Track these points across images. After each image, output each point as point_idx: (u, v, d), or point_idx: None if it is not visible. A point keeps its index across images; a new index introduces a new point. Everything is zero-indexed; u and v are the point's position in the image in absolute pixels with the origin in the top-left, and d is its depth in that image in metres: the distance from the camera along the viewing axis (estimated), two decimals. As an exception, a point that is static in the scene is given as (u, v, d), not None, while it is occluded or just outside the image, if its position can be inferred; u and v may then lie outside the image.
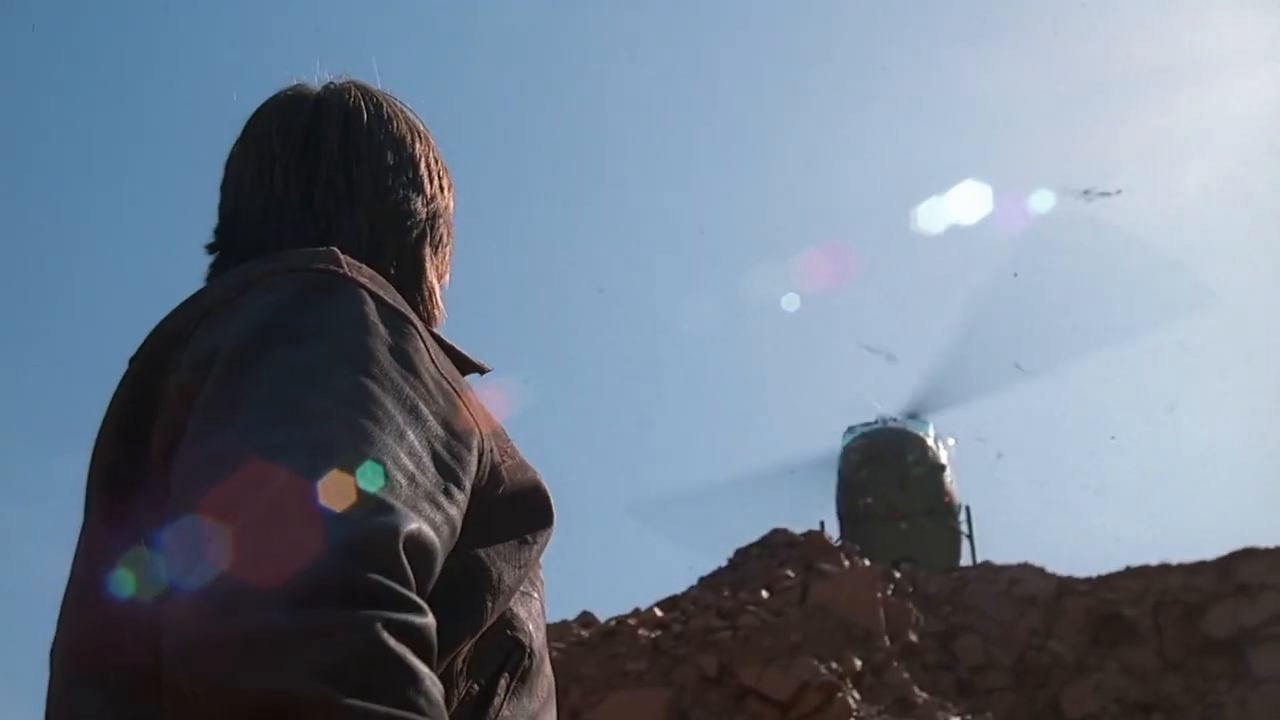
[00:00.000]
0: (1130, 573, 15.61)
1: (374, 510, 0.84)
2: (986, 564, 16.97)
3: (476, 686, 1.02)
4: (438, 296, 1.27)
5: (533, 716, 1.07)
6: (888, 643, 12.95)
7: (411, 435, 0.93)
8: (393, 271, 1.18)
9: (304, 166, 1.19)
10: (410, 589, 0.82)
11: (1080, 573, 15.89)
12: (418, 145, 1.26)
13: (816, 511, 21.32)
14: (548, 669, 1.13)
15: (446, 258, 1.29)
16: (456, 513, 0.94)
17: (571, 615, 13.45)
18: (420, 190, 1.24)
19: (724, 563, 17.07)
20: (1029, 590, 15.32)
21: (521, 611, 1.08)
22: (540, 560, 1.14)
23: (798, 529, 16.80)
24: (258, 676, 0.76)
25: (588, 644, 12.47)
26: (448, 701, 0.87)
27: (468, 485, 0.97)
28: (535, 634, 1.10)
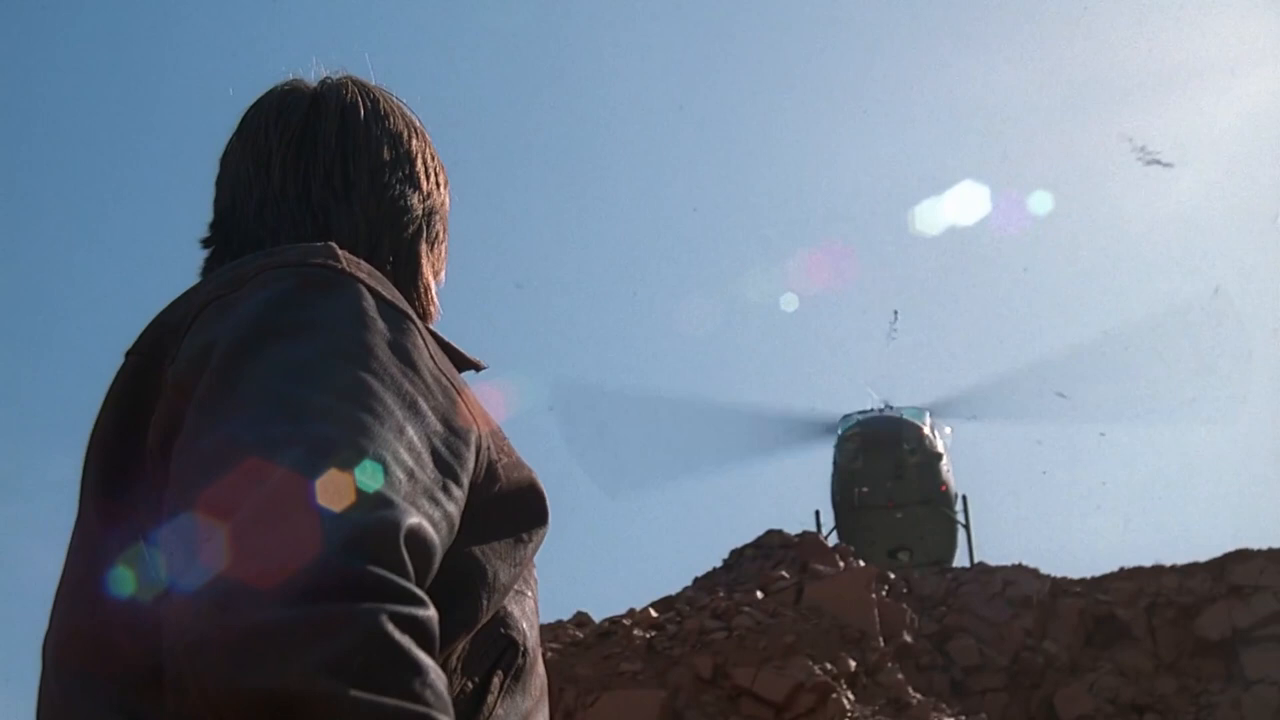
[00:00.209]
0: (1124, 574, 15.64)
1: (374, 505, 0.84)
2: (981, 565, 16.99)
3: (470, 684, 1.02)
4: (434, 293, 1.26)
5: (526, 714, 1.07)
6: (882, 643, 12.96)
7: (411, 431, 0.92)
8: (389, 267, 1.18)
9: (301, 162, 1.18)
10: (411, 582, 0.82)
11: (1074, 574, 15.94)
12: (414, 141, 1.25)
13: (810, 500, 21.18)
14: (541, 667, 1.13)
15: (443, 254, 1.28)
16: (455, 509, 0.94)
17: (566, 616, 13.45)
18: (417, 186, 1.23)
19: (719, 563, 17.07)
20: (1023, 591, 15.34)
21: (515, 610, 1.08)
22: (535, 559, 1.13)
23: (792, 530, 16.80)
24: (264, 673, 0.75)
25: (583, 644, 12.47)
26: None
27: (466, 482, 0.97)
28: (529, 632, 1.09)
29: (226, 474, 0.84)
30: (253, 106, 1.25)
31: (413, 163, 1.24)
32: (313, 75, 1.26)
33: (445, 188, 1.29)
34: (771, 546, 16.58)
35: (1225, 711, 13.45)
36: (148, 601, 0.91)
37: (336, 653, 0.76)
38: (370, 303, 1.00)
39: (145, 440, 1.01)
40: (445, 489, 0.93)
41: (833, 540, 20.16)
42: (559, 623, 13.12)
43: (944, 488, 20.60)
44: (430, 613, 0.82)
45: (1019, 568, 16.00)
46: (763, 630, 12.26)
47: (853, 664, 12.19)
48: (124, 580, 0.97)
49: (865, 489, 20.08)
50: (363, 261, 1.06)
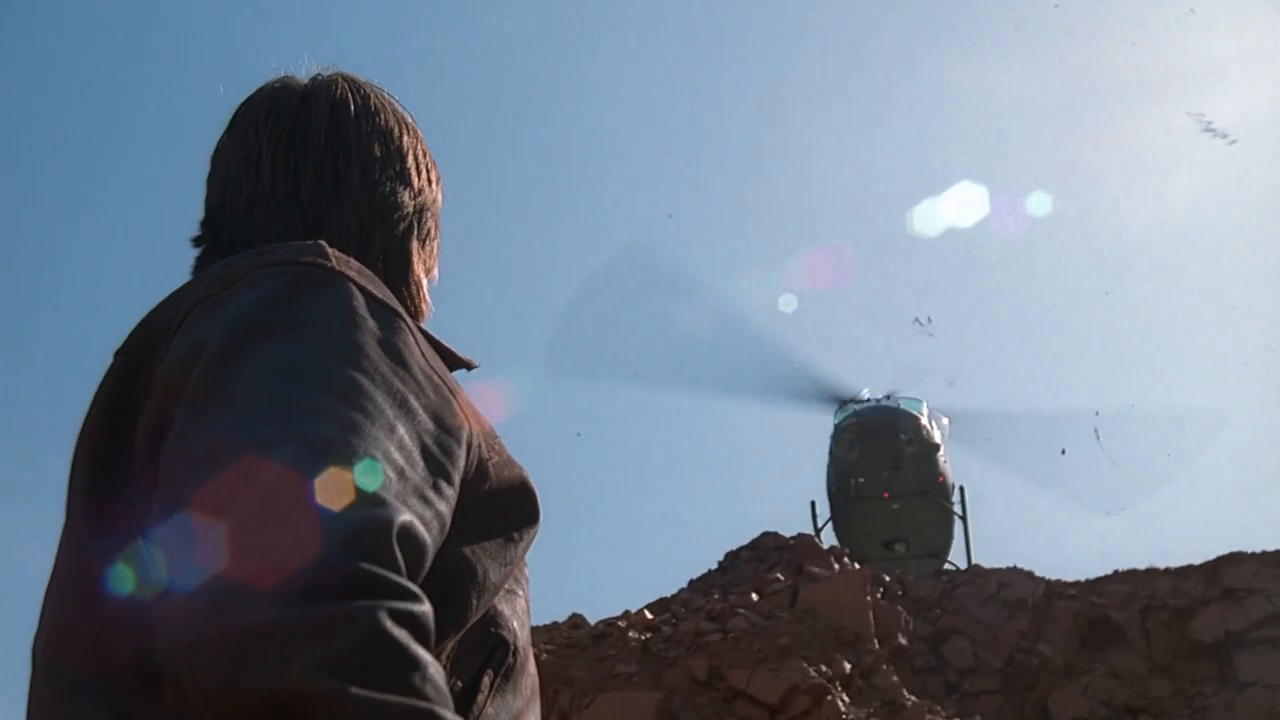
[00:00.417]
0: (1118, 577, 15.67)
1: (367, 504, 0.83)
2: (975, 567, 17.00)
3: (460, 684, 1.01)
4: (425, 291, 1.26)
5: (516, 714, 1.06)
6: (877, 646, 12.98)
7: (401, 429, 0.92)
8: (381, 265, 1.17)
9: (291, 159, 1.18)
10: (405, 578, 0.82)
11: (1069, 576, 15.96)
12: (405, 138, 1.24)
13: (808, 491, 20.88)
14: (532, 667, 1.12)
15: (435, 252, 1.28)
16: (446, 508, 0.93)
17: (561, 617, 13.44)
18: (408, 183, 1.22)
19: (714, 565, 17.08)
20: (1018, 594, 15.36)
21: (506, 609, 1.08)
22: (526, 558, 1.13)
23: (787, 533, 16.81)
24: (264, 673, 0.75)
25: (577, 646, 12.46)
26: None
27: (457, 480, 0.97)
28: (520, 632, 1.09)
29: (218, 473, 0.84)
30: (244, 104, 1.24)
31: (404, 159, 1.23)
32: (304, 72, 1.25)
33: (438, 184, 1.28)
34: (767, 549, 16.59)
35: (1219, 714, 13.48)
36: (138, 601, 0.91)
37: (336, 651, 0.76)
38: (360, 301, 0.99)
39: (134, 439, 1.00)
40: (436, 488, 0.93)
41: (828, 532, 20.02)
42: (554, 624, 13.11)
43: (941, 478, 20.26)
44: (426, 608, 0.82)
45: (1014, 570, 16.02)
46: (758, 632, 12.26)
47: (848, 666, 12.20)
48: (117, 579, 0.97)
49: (862, 479, 19.73)
50: (353, 260, 1.06)
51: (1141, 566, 15.67)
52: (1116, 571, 15.79)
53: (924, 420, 20.30)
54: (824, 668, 11.91)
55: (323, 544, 0.79)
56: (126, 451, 1.01)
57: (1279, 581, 14.65)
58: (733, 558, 16.98)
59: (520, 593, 1.12)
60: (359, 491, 0.84)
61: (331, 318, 0.97)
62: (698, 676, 11.77)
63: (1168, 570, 15.46)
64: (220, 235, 1.19)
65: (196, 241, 1.21)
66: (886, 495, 19.70)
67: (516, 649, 1.07)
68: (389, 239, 1.20)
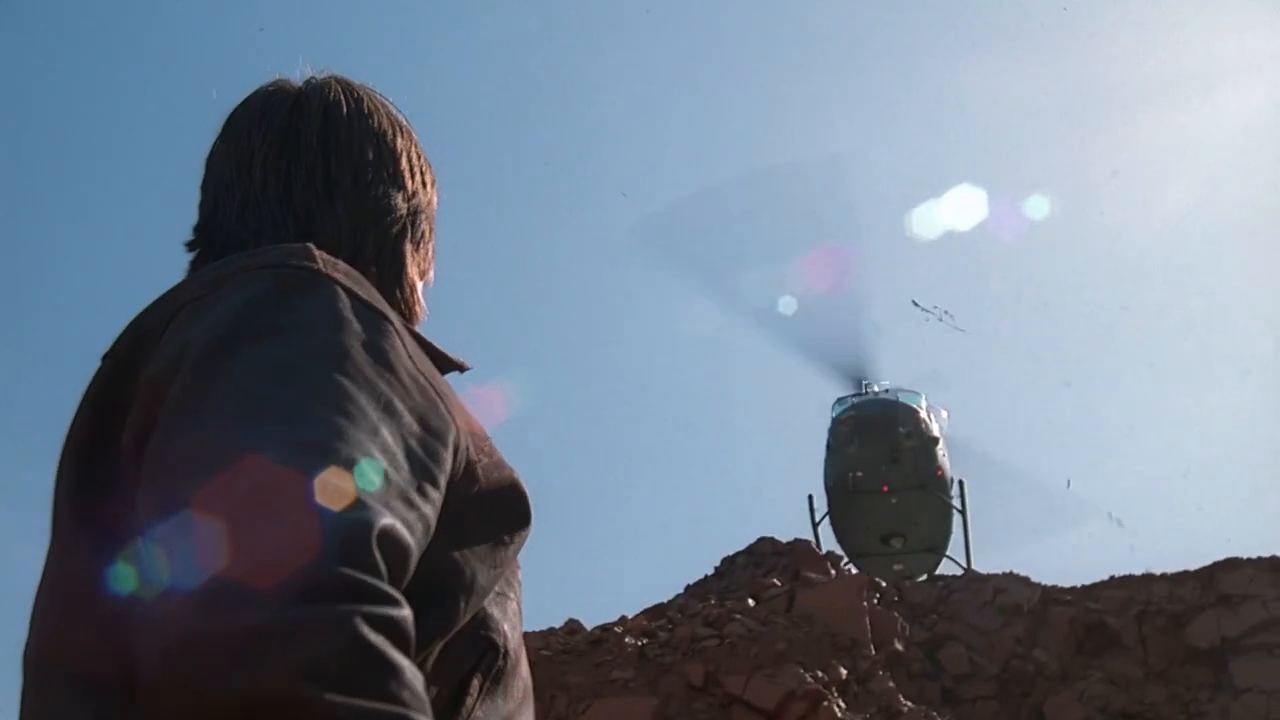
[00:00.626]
0: (1114, 582, 15.68)
1: (347, 507, 0.83)
2: (971, 573, 17.00)
3: (448, 687, 1.01)
4: (419, 293, 1.25)
5: (507, 717, 1.06)
6: (873, 651, 12.98)
7: (385, 432, 0.91)
8: (374, 268, 1.17)
9: (283, 162, 1.17)
10: (385, 582, 0.81)
11: (1065, 582, 15.97)
12: (399, 140, 1.24)
13: (805, 484, 20.61)
14: (524, 670, 1.11)
15: (429, 254, 1.27)
16: (431, 510, 0.93)
17: (558, 623, 13.43)
18: (401, 185, 1.22)
19: (711, 571, 17.07)
20: (1014, 599, 15.36)
21: (496, 612, 1.07)
22: (519, 561, 1.12)
23: (784, 539, 16.80)
24: (238, 677, 0.74)
25: (574, 652, 12.45)
26: None
27: (443, 482, 0.96)
28: (510, 634, 1.08)
29: (199, 476, 0.83)
30: (237, 108, 1.24)
31: (397, 161, 1.22)
32: (299, 75, 1.25)
33: (432, 187, 1.27)
34: (763, 554, 16.59)
35: (1214, 720, 13.49)
36: (123, 605, 0.89)
37: (312, 656, 0.75)
38: (346, 303, 0.99)
39: (120, 443, 0.99)
40: (421, 490, 0.92)
41: (826, 526, 19.84)
42: (550, 630, 13.10)
43: (940, 472, 19.96)
44: (405, 612, 0.81)
45: (1010, 576, 16.02)
46: (754, 638, 12.26)
47: (844, 672, 12.20)
48: (109, 581, 0.95)
49: (859, 473, 19.45)
50: (340, 262, 1.05)
51: (1138, 572, 15.70)
52: (1112, 577, 15.81)
53: (922, 413, 19.97)
54: (820, 673, 11.91)
55: (301, 547, 0.79)
56: (113, 454, 1.00)
57: (1274, 588, 14.66)
58: (729, 563, 16.98)
59: (512, 595, 1.11)
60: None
61: (317, 320, 0.97)
62: (694, 682, 11.76)
63: (1164, 576, 15.47)
64: (213, 239, 1.18)
65: (190, 246, 1.21)
66: (886, 489, 19.37)
67: (507, 652, 1.07)
68: (382, 241, 1.19)
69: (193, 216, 1.23)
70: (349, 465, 0.86)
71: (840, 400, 20.34)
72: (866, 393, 20.21)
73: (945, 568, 20.62)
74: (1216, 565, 15.24)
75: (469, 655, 1.03)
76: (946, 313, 20.39)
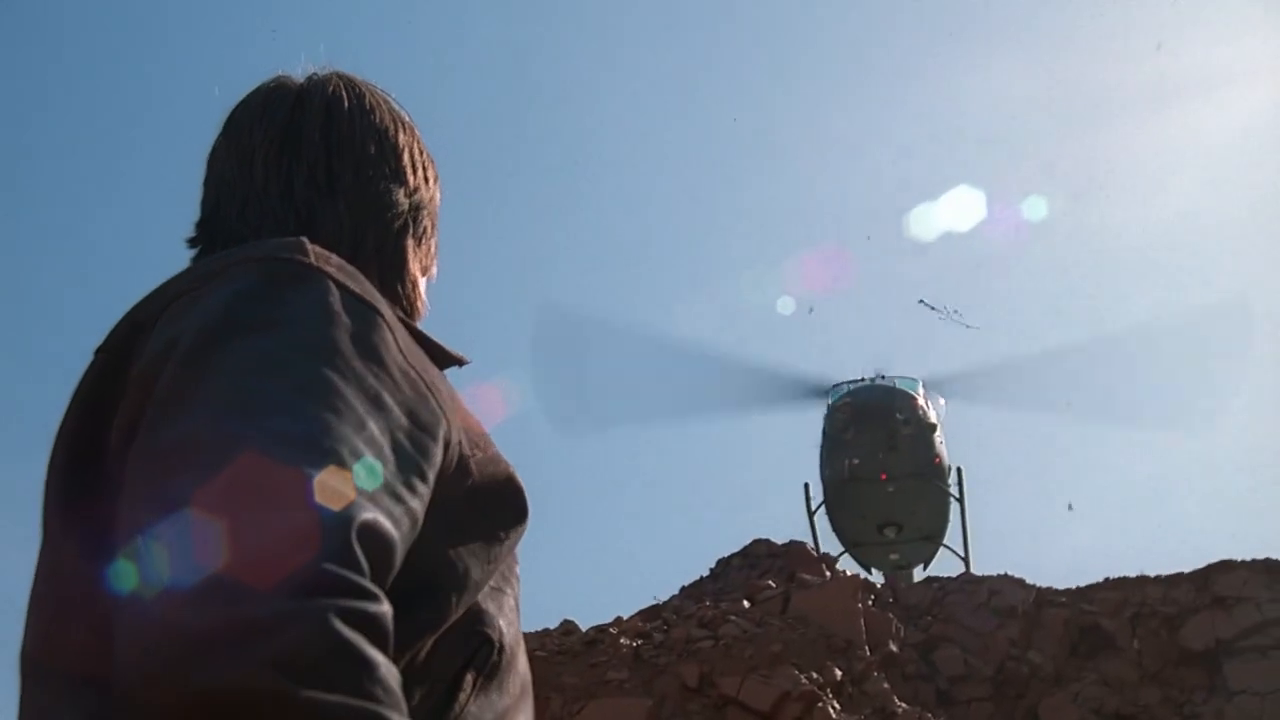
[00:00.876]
0: (1109, 584, 15.71)
1: (330, 501, 0.82)
2: (966, 575, 17.01)
3: (441, 682, 1.00)
4: (421, 289, 1.25)
5: (503, 712, 1.05)
6: (868, 653, 12.99)
7: (372, 426, 0.91)
8: (375, 263, 1.16)
9: (284, 158, 1.17)
10: (365, 577, 0.81)
11: (1059, 584, 16.00)
12: (401, 136, 1.24)
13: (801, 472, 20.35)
14: (522, 666, 1.10)
15: (431, 250, 1.26)
16: (418, 505, 0.92)
17: (553, 623, 13.43)
18: (403, 181, 1.22)
19: (706, 572, 17.08)
20: (1008, 601, 15.38)
21: (491, 607, 1.06)
22: (517, 557, 1.12)
23: (779, 540, 16.82)
24: (211, 670, 0.74)
25: (569, 653, 12.45)
26: (409, 697, 0.85)
27: (431, 476, 0.95)
28: (506, 630, 1.07)
29: (182, 471, 0.83)
30: (239, 105, 1.24)
31: (399, 157, 1.22)
32: (300, 72, 1.24)
33: (435, 183, 1.27)
34: (758, 555, 16.60)
35: (1208, 721, 13.51)
36: (110, 603, 0.88)
37: (284, 650, 0.75)
38: (337, 297, 0.98)
39: (110, 438, 0.99)
40: (408, 484, 0.91)
41: (821, 515, 19.69)
42: (545, 631, 13.10)
43: (938, 460, 19.65)
44: (384, 608, 0.81)
45: (1005, 578, 16.04)
46: (749, 639, 12.27)
47: (839, 673, 12.21)
48: (99, 581, 0.93)
49: (856, 461, 19.12)
50: (334, 256, 1.04)
51: (1132, 574, 15.73)
52: (1107, 579, 15.84)
53: (920, 400, 19.68)
54: (815, 675, 11.92)
55: (281, 542, 0.79)
56: (103, 450, 1.00)
57: (1268, 590, 14.70)
58: (724, 565, 16.99)
59: (508, 591, 1.10)
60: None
61: (307, 314, 0.96)
62: (689, 683, 11.76)
63: (1158, 578, 15.51)
64: (215, 236, 1.18)
65: (192, 243, 1.21)
66: (884, 477, 19.04)
67: (502, 647, 1.06)
68: (383, 237, 1.19)
69: (195, 214, 1.23)
70: (334, 459, 0.85)
71: (836, 387, 19.99)
72: (863, 379, 19.87)
73: (942, 558, 20.50)
74: (1211, 567, 15.27)
75: (462, 651, 1.02)
76: (955, 311, 20.17)
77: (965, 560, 19.98)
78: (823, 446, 19.83)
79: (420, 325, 1.18)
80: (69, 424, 1.05)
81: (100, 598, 0.88)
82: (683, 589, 16.65)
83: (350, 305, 0.98)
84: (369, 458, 0.88)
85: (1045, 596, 15.58)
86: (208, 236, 1.19)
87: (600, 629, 13.12)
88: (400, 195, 1.21)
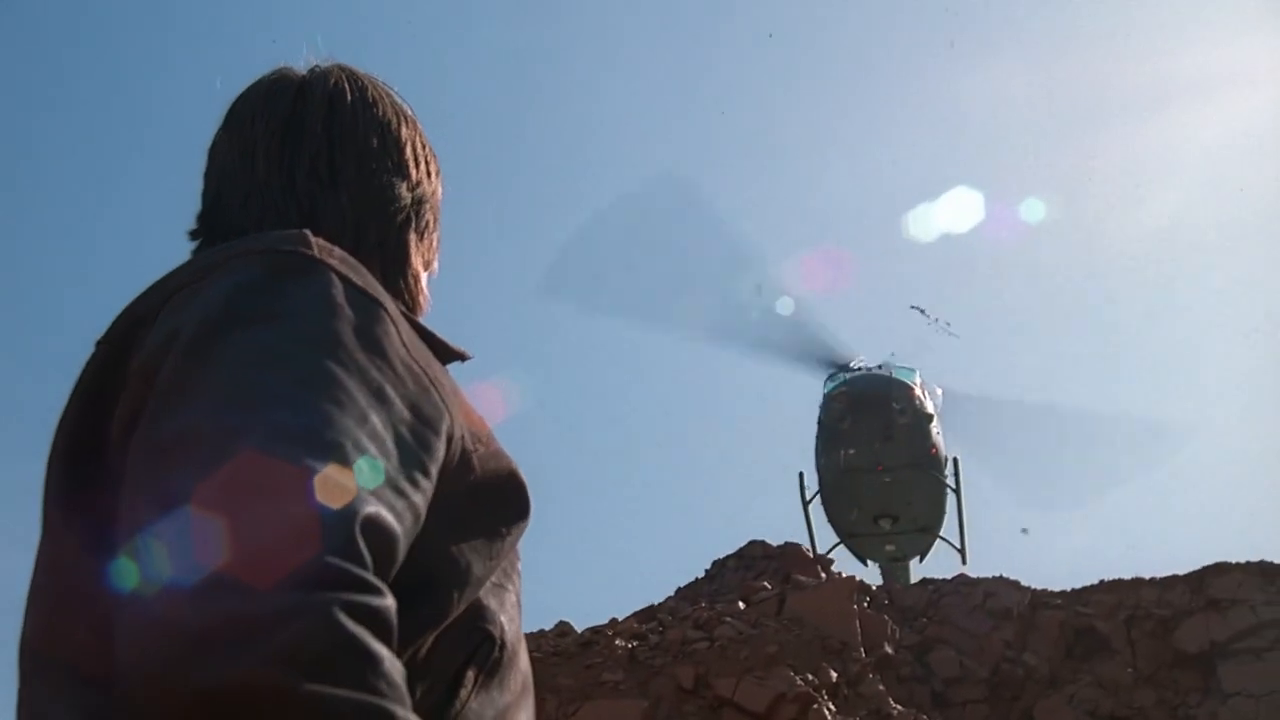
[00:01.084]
0: (1103, 587, 15.73)
1: (333, 495, 0.81)
2: (961, 577, 17.02)
3: (442, 679, 1.00)
4: (423, 283, 1.24)
5: (504, 709, 1.04)
6: (863, 655, 12.99)
7: (375, 419, 0.90)
8: (377, 257, 1.16)
9: (286, 151, 1.17)
10: (368, 571, 0.80)
11: (1054, 586, 16.01)
12: (404, 129, 1.23)
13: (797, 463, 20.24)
14: (523, 663, 1.10)
15: (434, 244, 1.26)
16: (421, 499, 0.92)
17: (548, 625, 13.43)
18: (405, 175, 1.21)
19: (701, 574, 17.08)
20: (1003, 603, 15.40)
21: (493, 603, 1.05)
22: (519, 553, 1.11)
23: (774, 542, 16.82)
24: (212, 670, 0.73)
25: (564, 654, 12.44)
26: (410, 693, 0.84)
27: (434, 471, 0.95)
28: (508, 626, 1.06)
29: (184, 464, 0.82)
30: (240, 97, 1.23)
31: (401, 150, 1.21)
32: (302, 64, 1.24)
33: (437, 177, 1.26)
34: (754, 557, 16.62)
35: (1203, 724, 13.53)
36: (110, 598, 0.87)
37: (288, 644, 0.74)
38: (340, 289, 0.97)
39: (110, 430, 0.98)
40: (410, 478, 0.91)
41: (816, 505, 19.45)
42: (541, 632, 13.09)
43: (934, 450, 19.40)
44: (387, 602, 0.80)
45: (999, 580, 16.06)
46: (745, 641, 12.27)
47: (834, 675, 12.22)
48: (101, 577, 0.93)
49: (852, 451, 18.88)
50: (336, 248, 1.04)
51: (1127, 576, 15.75)
52: (1102, 581, 15.86)
53: (917, 390, 19.43)
54: (811, 676, 11.92)
55: (285, 536, 0.78)
56: (104, 441, 0.99)
57: (1263, 592, 14.74)
58: (720, 566, 17.01)
59: (510, 587, 1.09)
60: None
61: (309, 306, 0.95)
62: (684, 685, 11.76)
63: (1153, 580, 15.54)
64: (216, 228, 1.18)
65: (194, 235, 1.20)
66: (880, 468, 18.80)
67: (503, 644, 1.05)
68: (385, 231, 1.18)
69: (196, 206, 1.22)
70: (336, 453, 0.84)
71: (832, 376, 19.71)
72: (860, 368, 19.62)
73: (938, 551, 20.34)
74: (1206, 570, 15.31)
75: (464, 647, 1.02)
76: (947, 323, 20.11)
77: (962, 552, 19.83)
78: (818, 436, 19.60)
79: (422, 320, 1.17)
80: (70, 415, 1.04)
81: (101, 594, 0.87)
82: (678, 590, 16.66)
83: (353, 298, 0.98)
84: (371, 451, 0.88)
85: (1040, 599, 15.60)
86: (209, 229, 1.19)
87: (596, 630, 13.11)
88: (403, 189, 1.20)
